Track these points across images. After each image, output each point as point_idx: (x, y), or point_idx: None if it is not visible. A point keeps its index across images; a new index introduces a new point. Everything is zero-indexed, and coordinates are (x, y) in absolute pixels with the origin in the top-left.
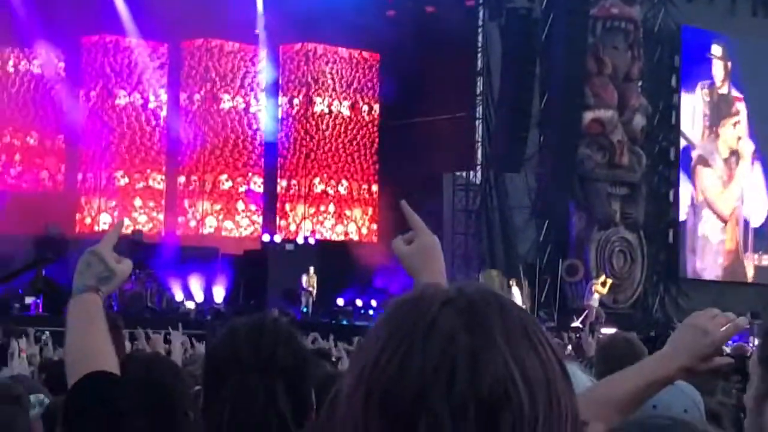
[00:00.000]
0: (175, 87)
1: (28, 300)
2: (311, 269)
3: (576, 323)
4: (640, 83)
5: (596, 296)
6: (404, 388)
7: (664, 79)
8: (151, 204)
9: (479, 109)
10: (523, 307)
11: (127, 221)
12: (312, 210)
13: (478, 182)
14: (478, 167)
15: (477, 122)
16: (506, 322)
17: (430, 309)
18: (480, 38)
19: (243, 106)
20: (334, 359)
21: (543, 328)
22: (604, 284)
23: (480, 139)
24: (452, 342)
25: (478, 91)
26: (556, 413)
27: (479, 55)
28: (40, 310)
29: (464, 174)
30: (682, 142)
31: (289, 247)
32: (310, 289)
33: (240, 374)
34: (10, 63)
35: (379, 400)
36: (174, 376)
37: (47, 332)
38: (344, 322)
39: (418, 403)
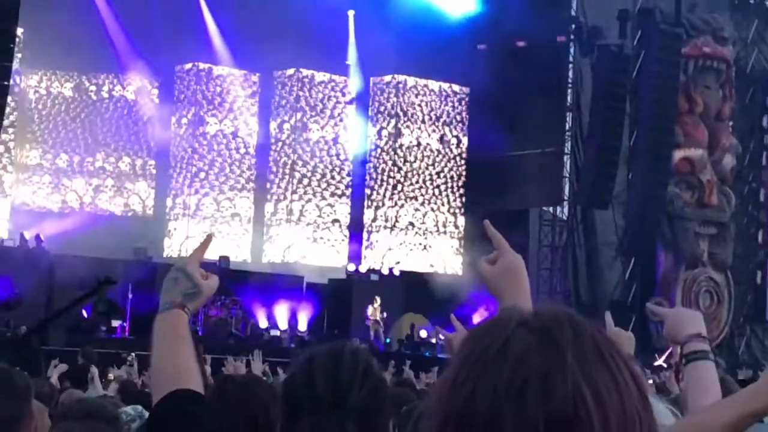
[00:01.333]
0: (265, 115)
1: (115, 323)
2: (377, 300)
3: (659, 362)
4: (730, 123)
5: None
6: (477, 409)
7: (755, 119)
8: (239, 231)
9: (568, 145)
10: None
11: (214, 251)
12: (398, 241)
13: (564, 218)
14: (565, 203)
15: (565, 158)
16: (579, 343)
17: (505, 330)
18: (570, 74)
19: (332, 135)
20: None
21: (622, 352)
22: None
23: (568, 175)
24: (524, 362)
25: (567, 127)
26: None
27: (569, 90)
28: (127, 333)
29: (551, 209)
30: None
31: (374, 277)
32: (377, 319)
33: (314, 411)
34: (105, 88)
35: (454, 423)
36: (272, 399)
37: (133, 354)
38: (427, 354)
39: (490, 423)
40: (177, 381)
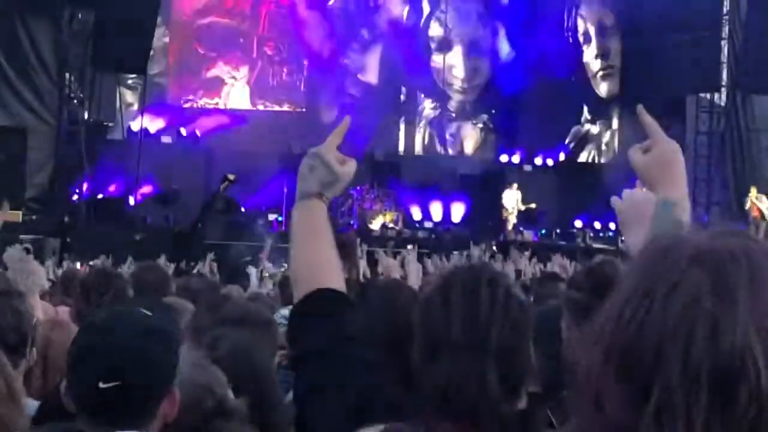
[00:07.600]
0: None
1: (271, 217)
2: (514, 185)
3: None
4: None
5: None
6: (642, 348)
7: None
8: (389, 121)
9: (725, 29)
10: None
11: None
12: None
13: (723, 104)
14: (723, 89)
15: (722, 42)
16: (756, 286)
17: (677, 265)
18: None
19: None
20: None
21: None
22: None
23: (725, 60)
24: (694, 305)
25: (724, 10)
26: None
27: None
28: (284, 227)
29: (708, 96)
30: None
31: (527, 168)
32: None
33: (452, 352)
34: None
35: (618, 360)
36: (414, 304)
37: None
38: (582, 245)
39: (654, 364)
40: (316, 277)
